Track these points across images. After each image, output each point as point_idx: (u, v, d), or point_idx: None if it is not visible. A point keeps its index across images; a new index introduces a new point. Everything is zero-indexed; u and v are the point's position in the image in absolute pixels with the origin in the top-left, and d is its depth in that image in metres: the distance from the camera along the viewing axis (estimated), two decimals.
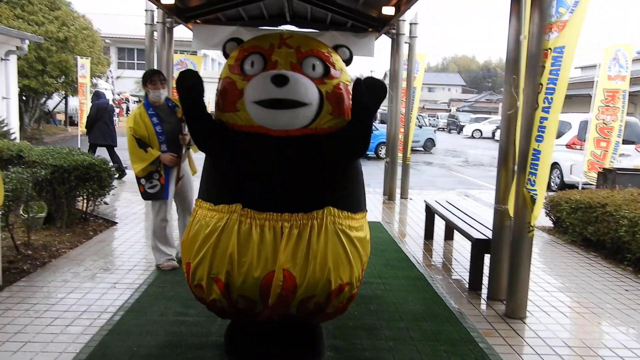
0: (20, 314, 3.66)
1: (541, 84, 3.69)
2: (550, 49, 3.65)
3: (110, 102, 10.43)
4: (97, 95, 10.90)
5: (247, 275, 2.63)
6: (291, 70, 2.65)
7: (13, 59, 12.18)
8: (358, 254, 2.79)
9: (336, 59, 2.85)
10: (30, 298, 3.95)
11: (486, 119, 37.15)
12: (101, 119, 10.04)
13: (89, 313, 3.73)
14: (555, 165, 11.40)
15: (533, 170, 3.75)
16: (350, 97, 2.76)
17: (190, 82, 2.73)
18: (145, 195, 4.60)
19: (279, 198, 2.68)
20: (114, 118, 10.94)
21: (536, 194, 3.73)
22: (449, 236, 6.32)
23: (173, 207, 4.85)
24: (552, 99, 3.67)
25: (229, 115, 2.75)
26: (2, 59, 11.74)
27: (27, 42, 12.22)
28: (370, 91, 2.63)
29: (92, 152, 9.57)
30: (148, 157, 4.44)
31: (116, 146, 9.98)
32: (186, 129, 4.57)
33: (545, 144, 3.70)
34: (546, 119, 3.69)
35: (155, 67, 8.68)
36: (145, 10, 8.52)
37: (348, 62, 2.96)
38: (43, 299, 3.96)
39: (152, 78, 4.52)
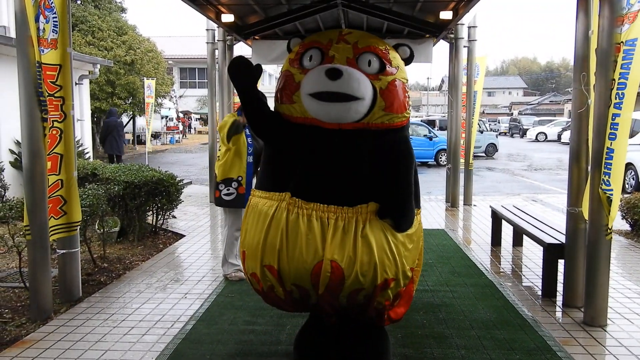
0: (100, 324, 3.83)
1: (613, 80, 3.52)
2: (622, 42, 3.48)
3: (120, 119, 13.37)
4: (109, 113, 13.27)
5: (298, 264, 2.65)
6: (347, 65, 2.69)
7: (86, 83, 12.87)
8: (405, 250, 2.75)
9: (394, 56, 2.86)
10: (108, 308, 4.14)
11: (551, 121, 35.74)
12: (110, 134, 12.25)
13: (163, 322, 3.86)
14: (629, 166, 10.80)
15: (607, 170, 3.57)
16: (407, 94, 2.78)
17: (244, 67, 2.79)
18: (219, 201, 4.65)
19: (326, 190, 2.70)
20: (122, 132, 13.26)
21: (612, 194, 3.55)
22: (517, 242, 6.10)
23: None
24: (623, 94, 3.50)
25: (285, 107, 2.83)
26: (76, 84, 12.43)
27: (98, 66, 12.89)
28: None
29: (109, 161, 11.92)
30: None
31: (123, 154, 12.44)
32: None
33: (618, 142, 3.53)
34: (619, 115, 3.51)
35: (217, 84, 8.96)
36: (207, 30, 8.83)
37: (408, 61, 2.95)
38: (120, 309, 4.13)
39: None
